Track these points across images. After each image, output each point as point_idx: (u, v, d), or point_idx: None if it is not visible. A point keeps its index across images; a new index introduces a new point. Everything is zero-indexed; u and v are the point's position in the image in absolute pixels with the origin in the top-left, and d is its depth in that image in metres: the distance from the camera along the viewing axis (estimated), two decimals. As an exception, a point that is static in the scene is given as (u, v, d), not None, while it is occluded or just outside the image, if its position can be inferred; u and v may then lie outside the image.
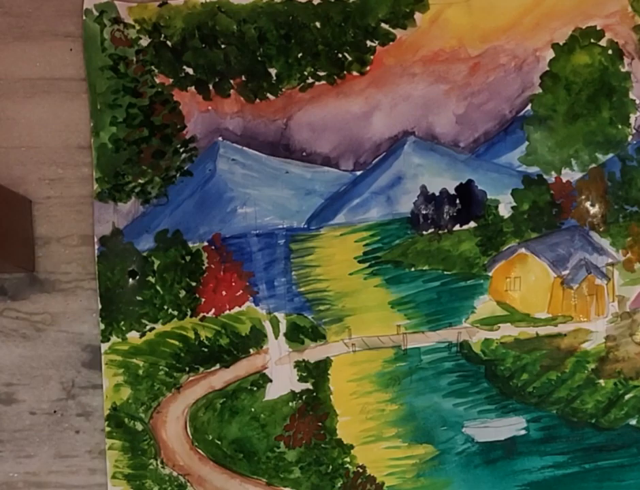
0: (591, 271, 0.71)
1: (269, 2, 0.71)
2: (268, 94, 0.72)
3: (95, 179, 0.71)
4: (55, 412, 0.71)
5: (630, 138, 0.71)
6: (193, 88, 0.72)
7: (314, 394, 0.72)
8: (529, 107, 0.71)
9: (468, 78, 0.72)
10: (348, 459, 0.71)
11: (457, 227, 0.72)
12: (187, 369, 0.71)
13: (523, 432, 0.71)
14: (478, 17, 0.71)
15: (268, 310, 0.72)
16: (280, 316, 0.72)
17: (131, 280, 0.71)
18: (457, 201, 0.72)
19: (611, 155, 0.71)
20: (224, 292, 0.72)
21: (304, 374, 0.72)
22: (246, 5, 0.71)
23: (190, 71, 0.72)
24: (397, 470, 0.72)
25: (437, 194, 0.72)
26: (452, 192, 0.72)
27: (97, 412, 0.71)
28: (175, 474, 0.71)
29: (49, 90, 0.72)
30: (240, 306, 0.72)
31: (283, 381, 0.72)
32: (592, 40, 0.71)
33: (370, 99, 0.72)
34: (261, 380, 0.71)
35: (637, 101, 0.71)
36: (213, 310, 0.71)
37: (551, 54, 0.71)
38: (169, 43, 0.72)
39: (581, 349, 0.71)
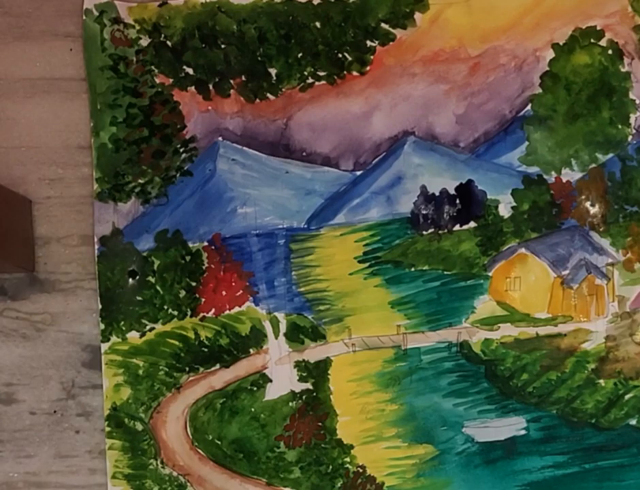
0: (591, 271, 0.71)
1: (269, 2, 0.71)
2: (268, 94, 0.72)
3: (95, 179, 0.71)
4: (55, 412, 0.71)
5: (630, 138, 0.71)
6: (193, 88, 0.72)
7: (314, 394, 0.72)
8: (529, 107, 0.72)
9: (468, 78, 0.72)
10: (348, 459, 0.71)
11: (457, 227, 0.72)
12: (187, 369, 0.71)
13: (523, 432, 0.71)
14: (478, 17, 0.71)
15: (268, 310, 0.72)
16: (280, 316, 0.72)
17: (131, 280, 0.71)
18: (457, 201, 0.72)
19: (611, 155, 0.71)
20: (224, 292, 0.72)
21: (304, 374, 0.72)
22: (246, 5, 0.71)
23: (191, 71, 0.72)
24: (397, 470, 0.72)
25: (437, 194, 0.72)
26: (452, 192, 0.72)
27: (97, 412, 0.71)
28: (175, 474, 0.71)
29: (49, 90, 0.72)
30: (240, 306, 0.72)
31: (283, 381, 0.72)
32: (592, 40, 0.71)
33: (370, 99, 0.72)
34: (261, 380, 0.71)
35: (637, 101, 0.71)
36: (213, 310, 0.71)
37: (551, 54, 0.71)
38: (169, 43, 0.72)
39: (581, 349, 0.71)
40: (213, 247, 0.72)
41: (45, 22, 0.72)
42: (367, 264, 0.72)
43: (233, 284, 0.72)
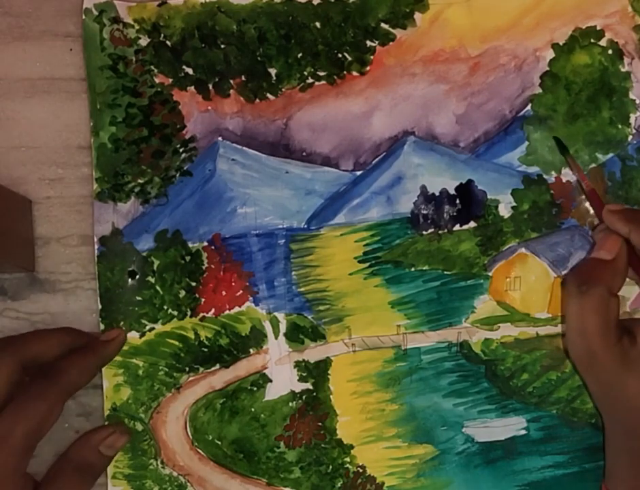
0: (591, 271, 0.71)
1: (269, 2, 0.71)
2: (268, 94, 0.72)
3: (95, 179, 0.71)
4: (55, 412, 0.71)
5: (630, 138, 0.71)
6: (192, 88, 0.72)
7: (314, 394, 0.72)
8: (529, 107, 0.71)
9: (468, 78, 0.72)
10: (348, 459, 0.72)
11: (457, 227, 0.72)
12: (187, 369, 0.71)
13: (523, 432, 0.72)
14: (479, 17, 0.71)
15: (268, 310, 0.72)
16: (280, 316, 0.72)
17: (130, 280, 0.71)
18: (457, 201, 0.72)
19: (611, 155, 0.71)
20: (224, 293, 0.72)
21: (304, 374, 0.72)
22: (245, 5, 0.71)
23: (190, 71, 0.72)
24: (397, 470, 0.72)
25: (437, 194, 0.72)
26: (452, 192, 0.72)
27: (97, 412, 0.71)
28: (175, 474, 0.71)
29: (49, 90, 0.72)
30: (239, 306, 0.72)
31: (283, 381, 0.72)
32: (592, 40, 0.71)
33: (370, 99, 0.72)
34: (261, 380, 0.71)
35: (637, 101, 0.71)
36: (213, 310, 0.71)
37: (551, 54, 0.71)
38: (168, 43, 0.71)
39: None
40: (213, 247, 0.72)
41: (45, 22, 0.72)
42: (367, 264, 0.72)
43: (233, 284, 0.72)
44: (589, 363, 0.62)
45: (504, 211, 0.72)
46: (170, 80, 0.72)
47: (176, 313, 0.71)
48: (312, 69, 0.72)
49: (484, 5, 0.71)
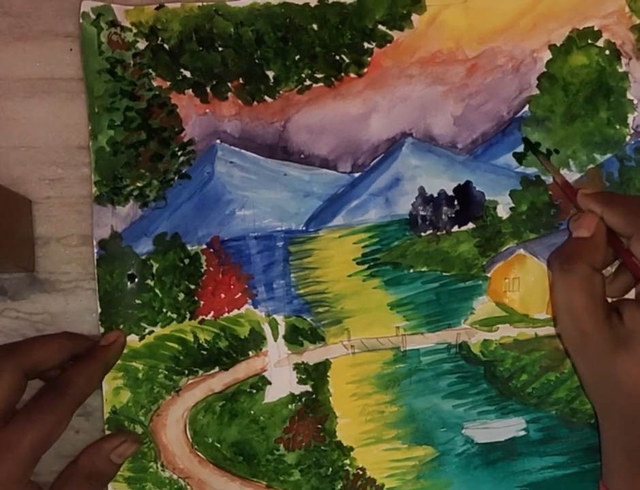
0: (589, 272, 0.71)
1: (267, 5, 0.71)
2: (266, 97, 0.72)
3: (94, 182, 0.71)
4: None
5: (628, 138, 0.71)
6: (190, 91, 0.72)
7: (314, 396, 0.72)
8: (526, 108, 0.71)
9: (465, 80, 0.72)
10: (348, 461, 0.72)
11: (455, 228, 0.72)
12: (186, 372, 0.71)
13: (522, 433, 0.72)
14: (476, 18, 0.71)
15: (267, 313, 0.72)
16: (279, 318, 0.72)
17: (129, 283, 0.71)
18: (456, 203, 0.72)
19: (609, 155, 0.71)
20: (223, 295, 0.72)
21: (303, 376, 0.72)
22: (243, 8, 0.71)
23: (188, 74, 0.72)
24: (397, 472, 0.72)
25: (435, 195, 0.72)
26: (450, 193, 0.72)
27: (97, 412, 0.72)
28: (175, 476, 0.71)
29: (49, 90, 0.72)
30: (238, 309, 0.72)
31: (282, 383, 0.72)
32: (589, 41, 0.71)
33: (368, 101, 0.72)
34: (260, 382, 0.71)
35: (635, 101, 0.71)
36: (212, 313, 0.71)
37: (548, 55, 0.71)
38: (166, 46, 0.71)
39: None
40: (212, 250, 0.72)
41: (45, 22, 0.72)
42: (365, 266, 0.72)
43: (232, 286, 0.72)
44: (579, 342, 0.62)
45: (503, 212, 0.72)
46: (168, 83, 0.72)
47: (175, 316, 0.71)
48: (310, 71, 0.72)
49: (481, 7, 0.71)
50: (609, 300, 0.64)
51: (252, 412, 0.71)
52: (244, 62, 0.72)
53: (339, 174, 0.72)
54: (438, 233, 0.72)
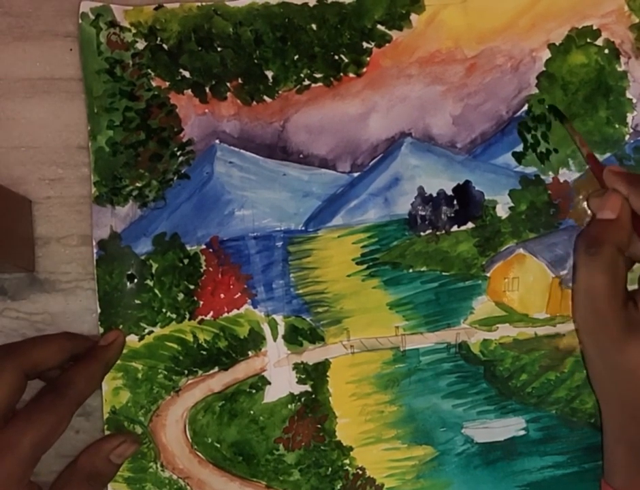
0: (589, 271, 0.71)
1: (265, 5, 0.71)
2: (265, 97, 0.72)
3: (93, 183, 0.71)
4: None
5: (627, 137, 0.71)
6: (189, 91, 0.72)
7: (313, 396, 0.72)
8: (526, 107, 0.71)
9: (464, 79, 0.72)
10: (347, 461, 0.72)
11: (454, 228, 0.72)
12: (186, 372, 0.71)
13: (522, 432, 0.71)
14: (474, 18, 0.71)
15: (266, 313, 0.72)
16: (279, 318, 0.72)
17: (129, 283, 0.71)
18: (455, 202, 0.72)
19: (608, 155, 0.71)
20: (222, 295, 0.72)
21: (303, 376, 0.72)
22: (242, 8, 0.71)
23: (187, 74, 0.72)
24: (396, 472, 0.72)
25: (434, 195, 0.72)
26: (449, 193, 0.72)
27: (96, 412, 0.72)
28: (175, 477, 0.71)
29: (49, 90, 0.72)
30: (238, 309, 0.72)
31: (282, 383, 0.72)
32: (588, 40, 0.71)
33: (367, 101, 0.72)
34: (259, 382, 0.71)
35: (634, 100, 0.71)
36: (211, 313, 0.71)
37: (547, 54, 0.71)
38: (165, 46, 0.72)
39: (579, 349, 0.71)
40: (211, 250, 0.72)
41: (45, 22, 0.72)
42: (365, 265, 0.72)
43: (231, 286, 0.72)
44: (593, 324, 0.62)
45: (502, 212, 0.72)
46: (167, 83, 0.72)
47: (174, 316, 0.71)
48: (309, 71, 0.72)
49: (480, 6, 0.71)
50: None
51: (251, 412, 0.71)
52: (243, 62, 0.72)
53: (338, 174, 0.72)
54: (438, 233, 0.72)
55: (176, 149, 0.72)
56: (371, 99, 0.72)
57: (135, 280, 0.71)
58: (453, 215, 0.72)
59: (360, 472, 0.72)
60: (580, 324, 0.65)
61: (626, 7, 0.71)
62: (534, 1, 0.71)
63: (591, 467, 0.71)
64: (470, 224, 0.72)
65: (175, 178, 0.72)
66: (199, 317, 0.71)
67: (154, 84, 0.72)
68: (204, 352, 0.71)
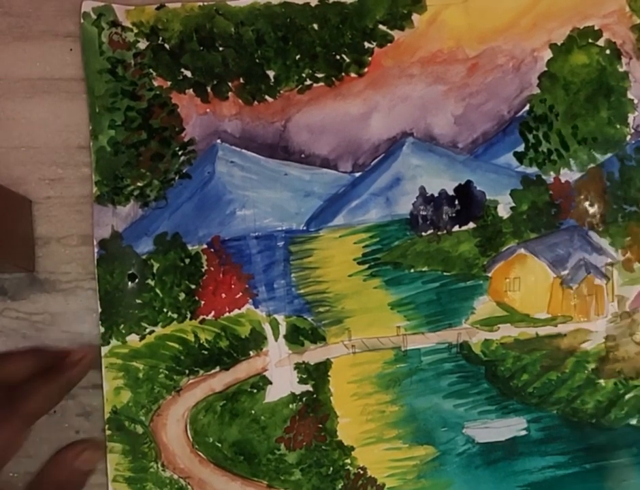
0: (590, 271, 0.71)
1: (267, 4, 0.71)
2: (266, 97, 0.72)
3: (94, 182, 0.71)
4: (55, 412, 0.71)
5: (628, 138, 0.71)
6: (191, 90, 0.72)
7: (315, 396, 0.72)
8: (527, 107, 0.72)
9: (466, 79, 0.72)
10: (348, 461, 0.71)
11: (456, 228, 0.72)
12: (187, 371, 0.71)
13: (523, 433, 0.71)
14: (476, 18, 0.71)
15: (268, 312, 0.72)
16: (280, 318, 0.72)
17: (130, 283, 0.71)
18: (456, 202, 0.72)
19: (609, 155, 0.71)
20: (223, 295, 0.72)
21: (304, 376, 0.72)
22: (243, 8, 0.71)
23: (189, 73, 0.72)
24: (398, 471, 0.72)
25: (436, 195, 0.72)
26: (451, 193, 0.72)
27: (97, 412, 0.71)
28: (176, 476, 0.71)
29: (49, 90, 0.72)
30: (239, 308, 0.72)
31: (283, 383, 0.72)
32: (590, 40, 0.71)
33: (368, 101, 0.72)
34: (261, 382, 0.71)
35: (636, 101, 0.71)
36: (213, 313, 0.71)
37: (548, 54, 0.71)
38: (167, 46, 0.72)
39: (581, 349, 0.71)
40: (212, 249, 0.72)
41: (45, 22, 0.72)
42: (366, 265, 0.72)
43: (233, 286, 0.72)
44: None
45: (503, 212, 0.72)
46: (169, 83, 0.72)
47: (175, 316, 0.71)
48: (310, 71, 0.72)
49: (481, 6, 0.71)
50: None
51: (253, 411, 0.71)
52: (245, 61, 0.72)
53: (340, 174, 0.72)
54: (439, 233, 0.72)
55: (177, 148, 0.72)
56: (372, 98, 0.72)
57: (137, 280, 0.71)
58: (454, 215, 0.72)
59: (361, 472, 0.71)
60: None
61: (627, 7, 0.71)
62: (535, 1, 0.71)
63: (592, 468, 0.71)
64: (471, 224, 0.72)
65: (176, 178, 0.72)
66: (201, 317, 0.71)
67: (155, 83, 0.72)
68: (205, 352, 0.71)
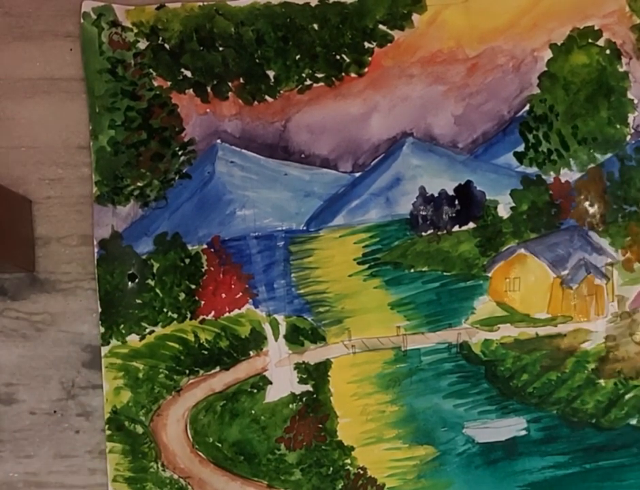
0: (590, 271, 0.71)
1: (267, 4, 0.71)
2: (266, 97, 0.72)
3: (94, 182, 0.71)
4: (55, 412, 0.71)
5: (628, 138, 0.71)
6: (191, 90, 0.72)
7: (315, 396, 0.72)
8: (527, 107, 0.71)
9: (466, 79, 0.72)
10: (348, 461, 0.71)
11: (456, 228, 0.72)
12: (187, 371, 0.71)
13: (523, 432, 0.71)
14: (476, 18, 0.71)
15: (268, 312, 0.72)
16: (280, 318, 0.72)
17: (130, 283, 0.71)
18: (456, 202, 0.72)
19: (609, 155, 0.71)
20: (223, 295, 0.72)
21: (304, 376, 0.72)
22: (243, 8, 0.71)
23: (189, 73, 0.72)
24: (398, 471, 0.72)
25: (436, 195, 0.72)
26: (451, 193, 0.72)
27: (96, 412, 0.71)
28: (176, 476, 0.71)
29: (49, 90, 0.72)
30: (239, 308, 0.72)
31: (283, 383, 0.72)
32: (590, 40, 0.71)
33: (368, 101, 0.72)
34: (261, 382, 0.71)
35: (635, 101, 0.71)
36: (213, 313, 0.71)
37: (548, 54, 0.71)
38: (166, 46, 0.72)
39: (581, 349, 0.71)
40: (212, 249, 0.72)
41: (45, 22, 0.72)
42: (366, 265, 0.72)
43: (233, 286, 0.72)
44: None
45: (503, 212, 0.72)
46: (169, 83, 0.72)
47: (175, 316, 0.71)
48: (310, 71, 0.72)
49: (481, 6, 0.71)
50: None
51: (253, 411, 0.71)
52: (245, 61, 0.72)
53: (340, 174, 0.72)
54: (439, 233, 0.72)
55: (177, 149, 0.72)
56: (372, 98, 0.72)
57: (137, 280, 0.71)
58: (454, 215, 0.72)
59: (361, 472, 0.71)
60: None
61: (628, 7, 0.71)
62: (535, 1, 0.71)
63: (592, 468, 0.71)
64: (471, 224, 0.72)
65: (176, 178, 0.72)
66: (201, 317, 0.71)
67: (155, 83, 0.72)
68: (205, 352, 0.71)
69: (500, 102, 0.72)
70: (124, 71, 0.71)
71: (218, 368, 0.72)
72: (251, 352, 0.72)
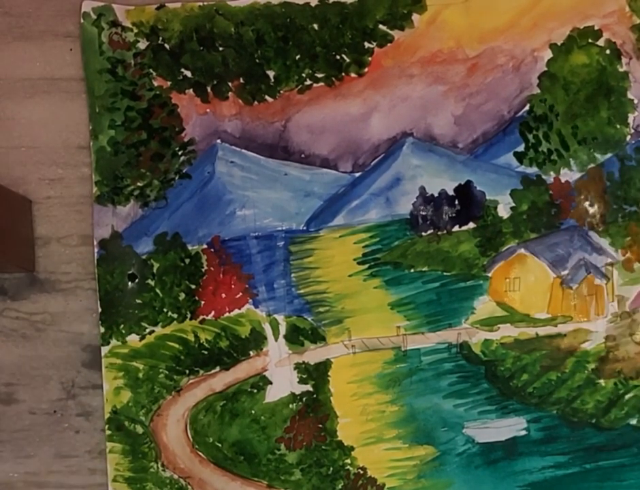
0: (590, 271, 0.71)
1: (267, 4, 0.71)
2: (266, 97, 0.72)
3: (94, 182, 0.71)
4: (55, 412, 0.71)
5: (628, 138, 0.71)
6: (191, 90, 0.72)
7: (315, 396, 0.72)
8: (527, 107, 0.71)
9: (466, 79, 0.72)
10: (348, 461, 0.71)
11: (456, 228, 0.72)
12: (187, 371, 0.71)
13: (523, 432, 0.71)
14: (476, 18, 0.71)
15: (268, 312, 0.72)
16: (280, 318, 0.72)
17: (130, 283, 0.71)
18: (456, 202, 0.72)
19: (609, 155, 0.71)
20: (223, 295, 0.72)
21: (304, 376, 0.72)
22: (243, 8, 0.71)
23: (189, 73, 0.72)
24: (398, 471, 0.72)
25: (436, 195, 0.72)
26: (451, 193, 0.72)
27: (96, 412, 0.72)
28: (176, 476, 0.71)
29: (49, 90, 0.72)
30: (239, 308, 0.72)
31: (283, 383, 0.72)
32: (590, 40, 0.71)
33: (368, 101, 0.72)
34: (261, 382, 0.71)
35: (635, 101, 0.71)
36: (213, 313, 0.71)
37: (548, 54, 0.71)
38: (166, 46, 0.72)
39: (581, 349, 0.71)
40: (212, 249, 0.72)
41: (45, 22, 0.72)
42: (366, 265, 0.72)
43: (233, 286, 0.72)
44: None
45: (503, 212, 0.72)
46: (169, 83, 0.72)
47: (175, 316, 0.71)
48: (310, 71, 0.72)
49: (481, 6, 0.71)
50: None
51: (253, 411, 0.71)
52: (245, 61, 0.72)
53: (340, 174, 0.72)
54: (439, 233, 0.72)
55: (177, 149, 0.72)
56: (372, 98, 0.72)
57: (136, 280, 0.71)
58: (454, 215, 0.72)
59: (361, 472, 0.71)
60: None
61: (628, 7, 0.71)
62: (535, 1, 0.71)
63: (592, 468, 0.71)
64: (471, 224, 0.72)
65: (176, 178, 0.72)
66: (201, 317, 0.71)
67: (155, 83, 0.72)
68: (205, 352, 0.71)
69: (500, 102, 0.72)
70: (124, 71, 0.71)
71: (218, 368, 0.72)
72: (251, 352, 0.72)
